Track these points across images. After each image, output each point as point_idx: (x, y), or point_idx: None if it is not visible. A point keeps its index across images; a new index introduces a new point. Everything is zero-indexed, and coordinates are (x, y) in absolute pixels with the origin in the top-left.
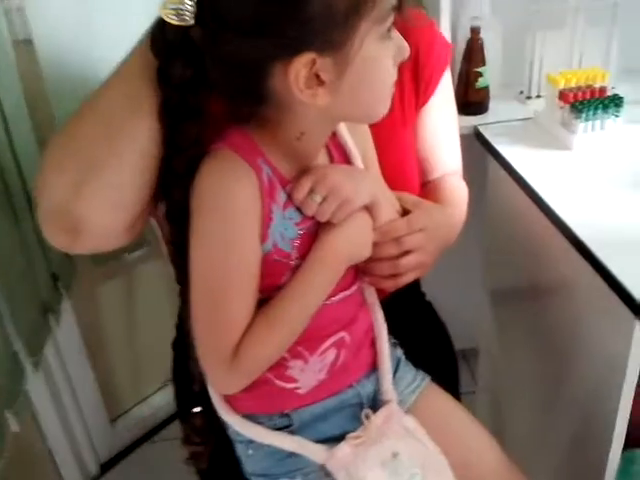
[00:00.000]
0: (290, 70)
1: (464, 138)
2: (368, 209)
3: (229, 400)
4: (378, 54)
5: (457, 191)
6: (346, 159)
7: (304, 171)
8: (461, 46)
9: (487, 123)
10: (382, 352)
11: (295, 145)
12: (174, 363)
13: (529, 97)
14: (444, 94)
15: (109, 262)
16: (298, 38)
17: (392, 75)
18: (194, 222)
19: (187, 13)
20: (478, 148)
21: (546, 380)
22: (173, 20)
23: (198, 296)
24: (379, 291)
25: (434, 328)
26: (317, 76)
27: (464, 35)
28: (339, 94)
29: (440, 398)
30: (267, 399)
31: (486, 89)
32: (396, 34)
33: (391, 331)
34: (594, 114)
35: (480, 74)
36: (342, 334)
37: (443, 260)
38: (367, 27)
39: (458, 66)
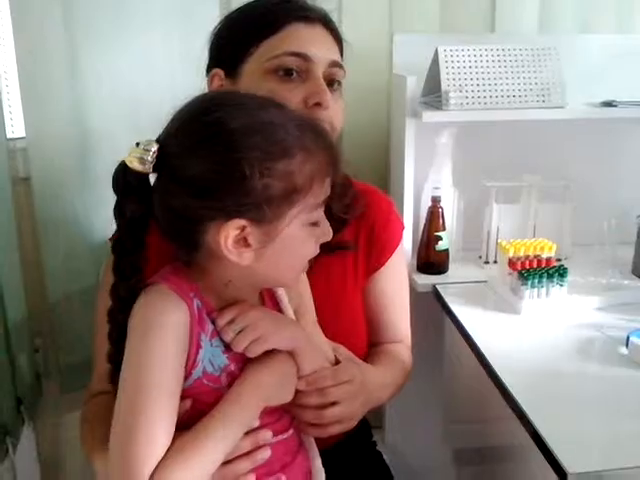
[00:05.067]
0: (222, 231)
1: (425, 295)
2: (293, 356)
3: None
4: (302, 235)
5: (395, 355)
6: (277, 307)
7: (232, 303)
8: (424, 212)
9: (445, 283)
10: None
11: (223, 289)
12: None
13: (487, 262)
14: (395, 269)
15: (76, 392)
16: (234, 207)
17: (311, 253)
18: (127, 345)
19: (148, 163)
20: (437, 305)
21: None
22: (134, 166)
23: (116, 420)
24: (329, 437)
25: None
26: (245, 239)
27: (427, 202)
28: (262, 258)
29: None
30: None
31: (446, 252)
32: (324, 221)
33: (338, 478)
34: (539, 282)
35: (440, 238)
36: (279, 475)
37: (408, 415)
38: (296, 212)
39: (421, 230)
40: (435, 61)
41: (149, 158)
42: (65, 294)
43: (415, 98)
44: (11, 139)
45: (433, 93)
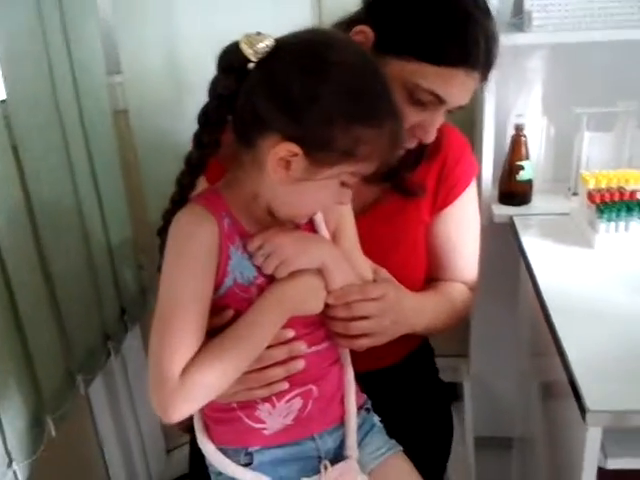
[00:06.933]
0: (276, 144)
1: (503, 226)
2: (321, 272)
3: (208, 430)
4: (331, 189)
5: (445, 290)
6: (312, 228)
7: (263, 229)
8: (508, 140)
9: (526, 214)
10: (349, 410)
11: (252, 205)
12: None
13: (575, 194)
14: (462, 210)
15: None
16: (300, 135)
17: (325, 207)
18: (164, 259)
19: (258, 52)
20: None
21: None
22: (244, 48)
23: (154, 322)
24: (384, 358)
25: (439, 407)
26: (289, 163)
27: (511, 130)
28: (290, 187)
29: (404, 472)
30: (237, 435)
31: (529, 182)
32: (350, 190)
33: (390, 398)
34: (617, 216)
35: (521, 167)
36: (310, 386)
37: (492, 347)
38: (342, 170)
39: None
40: None
41: (260, 49)
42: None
43: (500, 20)
44: (110, 73)
45: (520, 14)
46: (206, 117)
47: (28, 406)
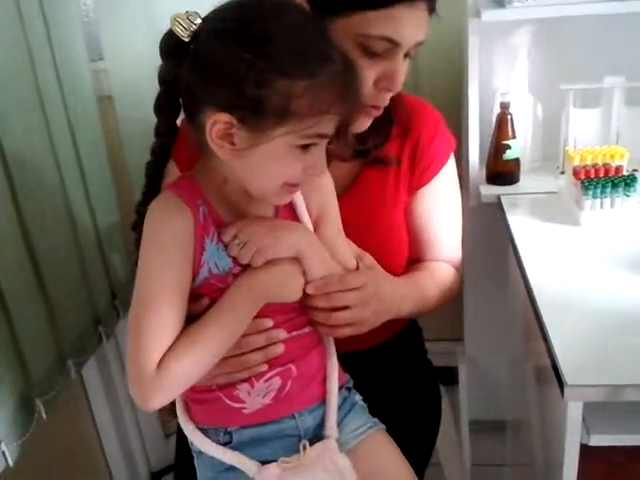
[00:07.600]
0: (211, 117)
1: (492, 207)
2: (299, 261)
3: (188, 411)
4: (285, 155)
5: (428, 272)
6: (293, 215)
7: (238, 218)
8: (494, 120)
9: (513, 194)
10: (331, 390)
11: (225, 190)
12: None
13: (563, 172)
14: (441, 187)
15: None
16: (225, 102)
17: (291, 177)
18: (140, 250)
19: (187, 31)
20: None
21: None
22: (176, 30)
23: (131, 312)
24: (371, 338)
25: (427, 388)
26: (231, 136)
27: (497, 109)
28: (241, 160)
29: (385, 449)
30: (216, 414)
31: (516, 161)
32: (318, 154)
33: (381, 378)
34: (602, 192)
35: (508, 146)
36: (289, 366)
37: (489, 332)
38: (284, 131)
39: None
40: None
41: (190, 28)
42: None
43: None
44: (93, 60)
45: None
46: (159, 104)
47: (17, 388)
